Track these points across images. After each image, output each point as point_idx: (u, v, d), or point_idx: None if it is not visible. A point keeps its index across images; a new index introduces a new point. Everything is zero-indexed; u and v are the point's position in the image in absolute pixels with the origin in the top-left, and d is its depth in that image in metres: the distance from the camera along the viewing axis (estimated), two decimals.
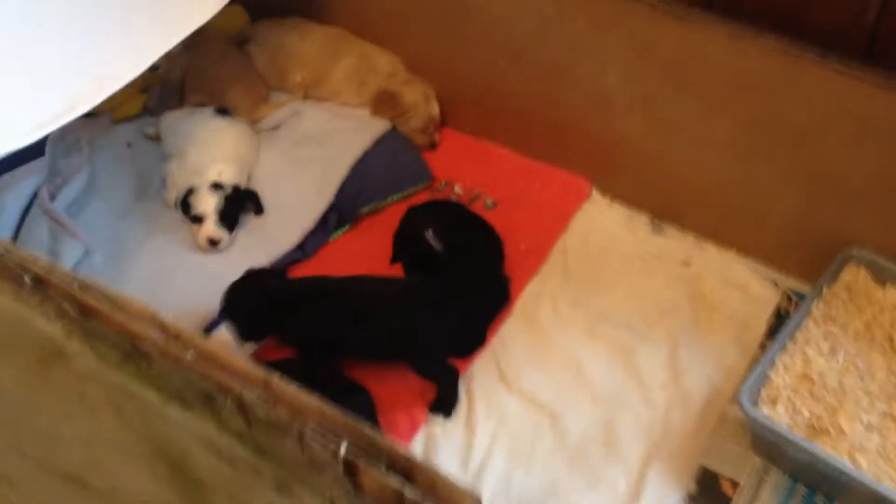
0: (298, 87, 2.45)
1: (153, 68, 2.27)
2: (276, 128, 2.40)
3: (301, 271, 2.16)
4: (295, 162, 2.28)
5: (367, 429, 0.92)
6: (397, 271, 2.16)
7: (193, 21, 1.98)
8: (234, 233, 2.15)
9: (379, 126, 2.39)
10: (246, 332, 1.93)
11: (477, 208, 2.30)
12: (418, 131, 2.39)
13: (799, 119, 1.95)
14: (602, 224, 2.31)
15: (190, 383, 1.03)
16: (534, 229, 2.28)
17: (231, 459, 1.05)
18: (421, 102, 2.37)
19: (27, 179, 2.17)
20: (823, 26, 1.92)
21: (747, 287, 2.18)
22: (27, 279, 1.12)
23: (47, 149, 2.24)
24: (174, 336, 1.05)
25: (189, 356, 1.02)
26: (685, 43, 1.99)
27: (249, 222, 2.20)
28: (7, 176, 2.16)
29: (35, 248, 2.07)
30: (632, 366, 2.04)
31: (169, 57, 2.31)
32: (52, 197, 2.15)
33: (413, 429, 1.93)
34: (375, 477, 0.87)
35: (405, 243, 2.19)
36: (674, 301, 2.15)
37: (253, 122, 2.37)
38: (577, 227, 2.30)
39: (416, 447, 1.92)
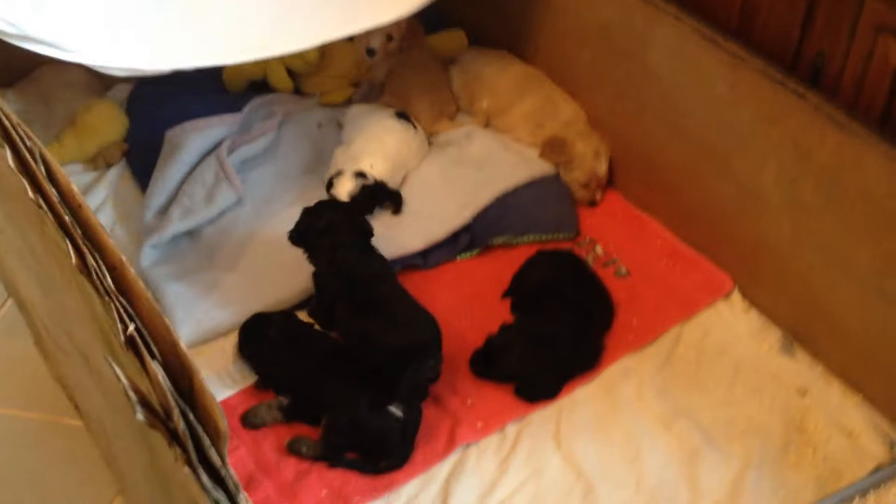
0: (482, 113, 2.55)
1: (370, 52, 2.48)
2: (447, 144, 2.50)
3: (415, 279, 2.23)
4: (449, 177, 2.37)
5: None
6: (504, 307, 2.20)
7: (399, 9, 2.13)
8: None
9: (541, 167, 2.42)
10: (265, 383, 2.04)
11: (608, 273, 2.27)
12: (580, 184, 2.39)
13: None
14: (731, 326, 2.18)
15: None
16: (654, 309, 2.20)
17: None
18: (589, 157, 2.37)
19: (217, 128, 2.43)
20: None
21: (857, 436, 1.96)
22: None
23: (246, 108, 2.50)
24: None
25: None
26: (842, 152, 1.86)
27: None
28: (202, 121, 2.43)
29: (197, 187, 2.31)
30: (692, 470, 1.91)
31: (380, 58, 2.52)
32: (231, 150, 2.39)
33: (448, 449, 1.94)
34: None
35: (520, 282, 2.21)
36: (767, 424, 1.99)
37: (429, 134, 2.49)
38: (702, 320, 2.19)
39: (444, 467, 1.92)
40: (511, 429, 1.99)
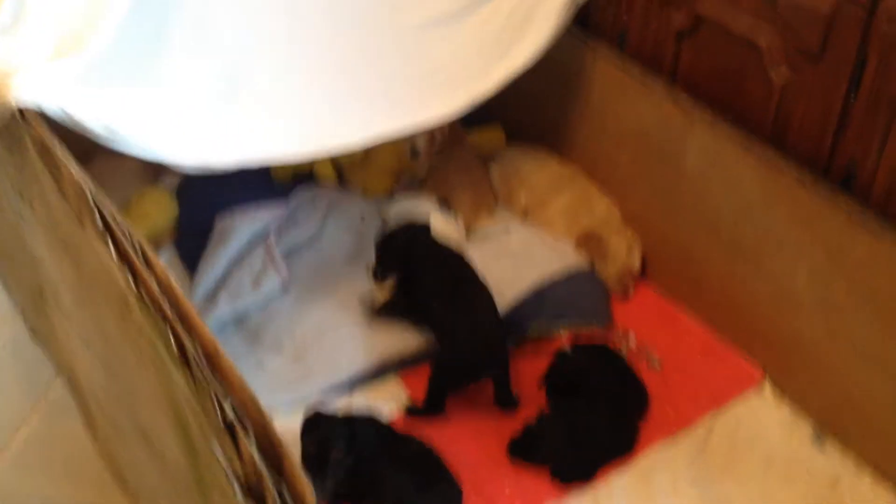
0: (520, 208, 2.65)
1: (414, 154, 2.59)
2: (486, 238, 2.59)
3: None
4: (488, 269, 2.44)
5: None
6: (541, 397, 2.25)
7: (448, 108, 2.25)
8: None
9: (576, 260, 2.51)
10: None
11: (642, 364, 2.33)
12: (614, 278, 2.48)
13: None
14: (761, 418, 2.23)
15: None
16: (687, 400, 2.25)
17: None
18: (622, 253, 2.46)
19: (265, 216, 2.53)
20: None
21: None
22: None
23: (293, 198, 2.61)
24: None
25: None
26: (874, 256, 1.94)
27: None
28: (252, 209, 2.53)
29: (244, 273, 2.40)
30: None
31: (423, 158, 2.63)
32: (278, 237, 2.49)
33: None
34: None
35: (556, 372, 2.27)
36: None
37: (469, 228, 2.59)
38: (734, 411, 2.24)
39: None
40: None
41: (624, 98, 2.41)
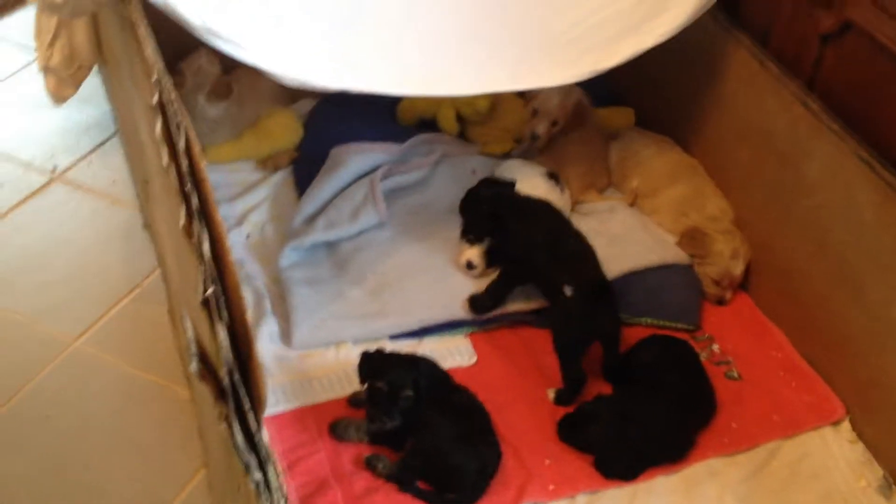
0: (631, 191, 2.58)
1: (534, 137, 2.57)
2: (590, 214, 2.54)
3: (524, 335, 2.30)
4: None
5: None
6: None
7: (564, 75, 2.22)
8: (491, 269, 2.33)
9: (675, 254, 2.43)
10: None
11: (719, 372, 2.24)
12: (712, 280, 2.37)
13: None
14: (833, 454, 2.10)
15: None
16: (757, 418, 2.15)
17: None
18: (726, 255, 2.35)
19: (378, 154, 2.57)
20: None
21: None
22: None
23: (409, 141, 2.63)
24: None
25: None
26: None
27: None
28: (367, 145, 2.58)
29: (346, 203, 2.45)
30: None
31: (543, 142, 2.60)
32: (385, 176, 2.52)
33: (514, 502, 1.96)
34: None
35: (628, 359, 2.21)
36: None
37: (576, 202, 2.54)
38: (804, 440, 2.13)
39: None
40: (581, 499, 1.99)
41: (755, 93, 2.30)
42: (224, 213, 2.53)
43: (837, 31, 2.13)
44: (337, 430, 2.07)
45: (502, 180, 2.40)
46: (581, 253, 2.23)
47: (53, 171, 2.84)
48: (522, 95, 2.70)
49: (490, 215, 2.30)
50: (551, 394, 2.17)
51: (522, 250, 2.26)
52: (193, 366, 1.03)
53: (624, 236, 2.47)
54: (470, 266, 2.34)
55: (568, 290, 2.14)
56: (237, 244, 2.44)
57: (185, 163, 1.28)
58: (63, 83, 2.52)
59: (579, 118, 2.59)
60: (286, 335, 2.23)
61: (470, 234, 2.35)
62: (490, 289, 2.29)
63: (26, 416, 2.21)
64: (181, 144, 1.30)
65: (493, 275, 2.32)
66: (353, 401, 2.13)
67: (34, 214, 2.71)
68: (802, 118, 2.17)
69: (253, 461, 1.04)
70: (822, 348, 2.22)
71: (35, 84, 2.81)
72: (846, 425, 2.15)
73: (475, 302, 2.29)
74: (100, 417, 2.22)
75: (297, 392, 2.13)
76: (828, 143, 2.11)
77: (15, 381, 2.27)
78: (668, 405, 2.08)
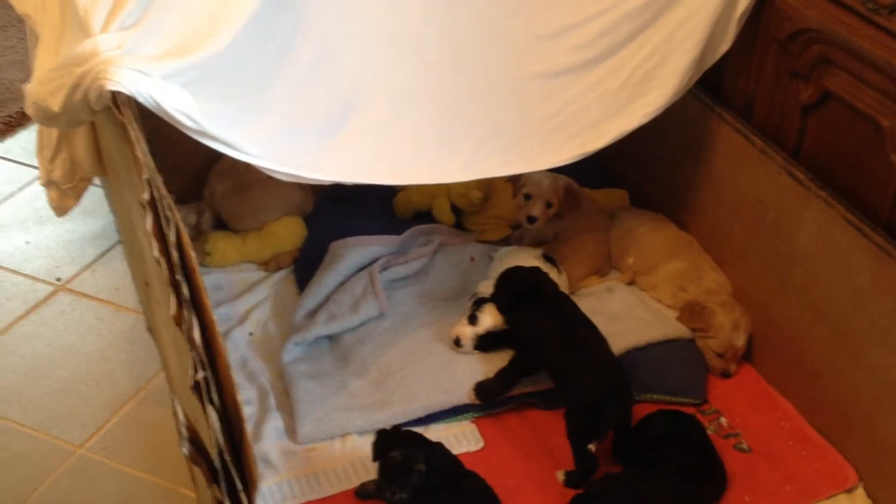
0: (628, 269, 2.60)
1: (531, 220, 2.60)
2: (588, 295, 2.55)
3: (531, 417, 2.28)
4: None
5: None
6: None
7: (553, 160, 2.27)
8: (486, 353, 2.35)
9: (676, 329, 2.43)
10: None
11: (728, 445, 2.22)
12: (715, 353, 2.37)
13: None
14: None
15: None
16: (770, 490, 2.12)
17: None
18: (727, 328, 2.35)
19: (377, 246, 2.60)
20: None
21: None
22: None
23: (406, 233, 2.67)
24: None
25: None
26: None
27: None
28: (365, 238, 2.61)
29: (346, 296, 2.47)
30: None
31: (540, 224, 2.63)
32: (384, 268, 2.55)
33: None
34: None
35: (634, 436, 2.19)
36: None
37: (575, 287, 2.56)
38: None
39: None
40: None
41: (743, 166, 2.34)
42: (227, 312, 2.57)
43: (817, 100, 2.18)
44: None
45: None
46: (594, 339, 2.24)
47: (58, 281, 2.88)
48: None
49: (514, 293, 2.31)
50: (561, 476, 2.15)
51: (532, 335, 2.27)
52: (185, 449, 1.04)
53: (624, 314, 2.48)
54: (457, 343, 2.36)
55: (582, 378, 2.14)
56: (240, 342, 2.46)
57: (175, 254, 1.31)
58: (65, 195, 2.57)
59: (572, 200, 2.63)
60: (291, 430, 2.22)
61: (479, 308, 2.36)
62: (499, 375, 2.28)
63: None
64: (171, 237, 1.34)
65: (484, 355, 2.35)
66: (360, 492, 2.11)
67: (40, 325, 2.74)
68: (790, 188, 2.20)
69: None
70: (829, 415, 2.20)
71: (39, 200, 2.88)
72: (860, 492, 2.12)
73: (482, 390, 2.27)
74: None
75: (304, 487, 2.11)
76: (817, 211, 2.14)
77: (21, 490, 2.26)
78: (678, 482, 2.05)
